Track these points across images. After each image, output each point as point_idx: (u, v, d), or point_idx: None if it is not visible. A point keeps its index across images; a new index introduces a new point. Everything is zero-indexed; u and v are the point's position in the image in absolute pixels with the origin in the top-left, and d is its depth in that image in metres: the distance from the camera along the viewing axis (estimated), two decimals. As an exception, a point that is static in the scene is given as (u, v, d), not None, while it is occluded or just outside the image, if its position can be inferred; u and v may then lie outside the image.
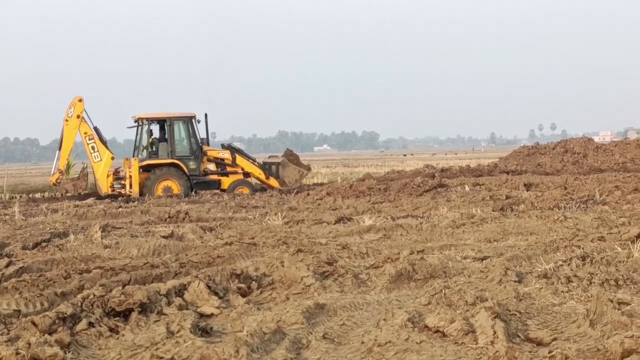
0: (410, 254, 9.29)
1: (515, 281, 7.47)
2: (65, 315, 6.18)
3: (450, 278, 7.91)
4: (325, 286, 7.79)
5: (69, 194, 26.78)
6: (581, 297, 6.67)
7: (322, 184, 28.86)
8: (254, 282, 7.91)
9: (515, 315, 6.12)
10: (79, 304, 6.55)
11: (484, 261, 8.81)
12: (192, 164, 26.45)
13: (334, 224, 13.90)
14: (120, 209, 18.41)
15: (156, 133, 27.46)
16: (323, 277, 8.12)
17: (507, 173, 29.81)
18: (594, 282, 7.29)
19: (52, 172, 27.20)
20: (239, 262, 9.41)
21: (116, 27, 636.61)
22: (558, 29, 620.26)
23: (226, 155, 27.50)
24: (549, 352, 4.96)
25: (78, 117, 26.19)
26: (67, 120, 26.22)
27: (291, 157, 29.37)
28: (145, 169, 25.96)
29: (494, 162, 36.05)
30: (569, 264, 8.15)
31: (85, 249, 11.07)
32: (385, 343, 5.44)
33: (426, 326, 5.82)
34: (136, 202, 21.55)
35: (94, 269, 8.81)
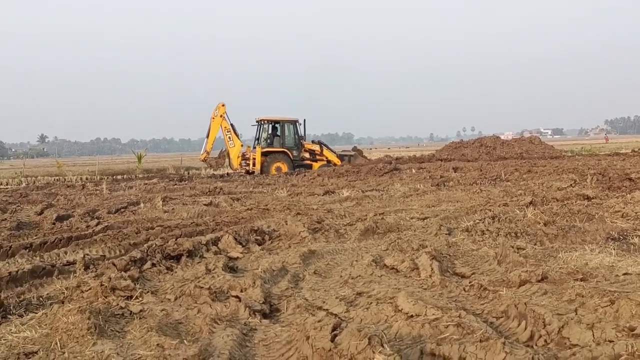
0: (374, 215, 9.27)
1: (446, 234, 7.42)
2: (136, 258, 6.16)
3: (401, 232, 7.88)
4: (315, 238, 7.75)
5: (212, 168, 26.94)
6: (491, 244, 6.62)
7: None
8: (266, 235, 7.85)
9: (446, 257, 6.08)
10: (146, 251, 6.53)
11: (425, 220, 8.78)
12: (295, 153, 25.99)
13: (322, 195, 13.79)
14: (175, 186, 18.28)
15: (271, 130, 26.86)
16: (314, 232, 8.07)
17: (441, 160, 29.65)
18: (500, 234, 7.25)
19: (201, 152, 26.62)
20: (256, 221, 9.32)
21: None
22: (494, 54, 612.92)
23: (317, 148, 26.83)
24: (469, 282, 4.92)
25: (221, 116, 25.93)
26: (213, 118, 25.93)
27: (358, 151, 29.66)
28: (264, 154, 25.56)
29: (432, 153, 35.88)
30: (483, 222, 8.11)
31: (151, 213, 10.98)
32: (357, 276, 5.41)
33: (385, 265, 5.77)
34: (187, 181, 21.37)
35: (156, 226, 8.78)
